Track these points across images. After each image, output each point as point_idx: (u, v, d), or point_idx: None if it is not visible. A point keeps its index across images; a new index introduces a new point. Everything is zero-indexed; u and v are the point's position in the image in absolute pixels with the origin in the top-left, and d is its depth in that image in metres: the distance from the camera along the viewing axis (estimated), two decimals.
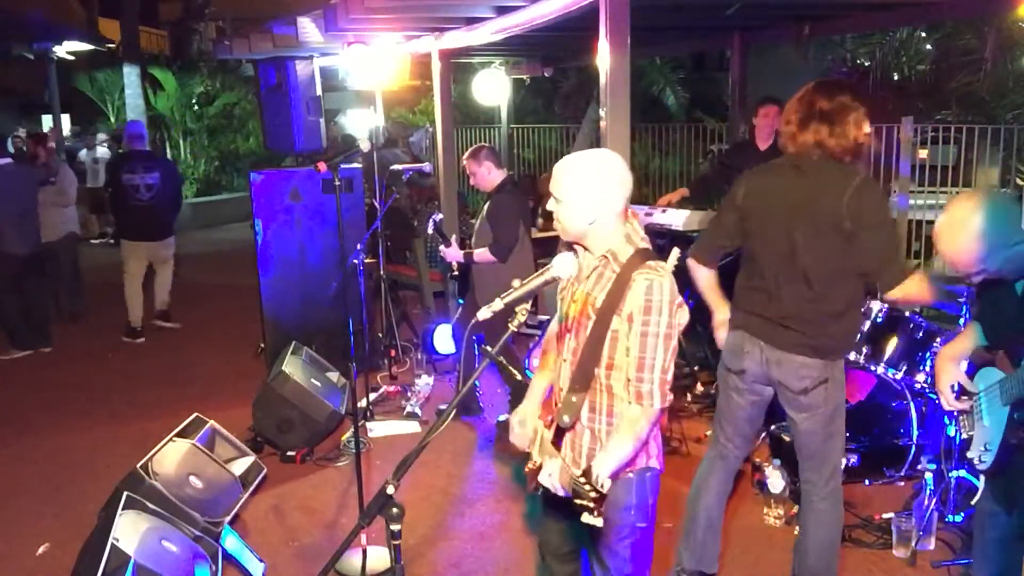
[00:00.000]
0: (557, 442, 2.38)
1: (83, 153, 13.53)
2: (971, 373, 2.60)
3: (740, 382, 3.14)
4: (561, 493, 2.19)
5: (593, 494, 1.97)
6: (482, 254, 4.91)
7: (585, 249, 2.39)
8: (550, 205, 2.37)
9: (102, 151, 13.63)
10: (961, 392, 2.59)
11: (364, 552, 3.53)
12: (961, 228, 2.22)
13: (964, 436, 2.59)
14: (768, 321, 2.99)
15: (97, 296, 8.69)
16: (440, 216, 5.58)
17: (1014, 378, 2.35)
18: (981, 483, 2.57)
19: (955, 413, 2.64)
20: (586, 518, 2.01)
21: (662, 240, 5.33)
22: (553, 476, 2.20)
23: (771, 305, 2.98)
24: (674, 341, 2.27)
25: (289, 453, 4.79)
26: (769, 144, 5.88)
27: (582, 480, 1.99)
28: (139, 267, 7.42)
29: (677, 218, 5.63)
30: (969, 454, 2.55)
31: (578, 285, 2.40)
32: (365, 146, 3.58)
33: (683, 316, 2.29)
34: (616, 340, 2.27)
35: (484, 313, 2.23)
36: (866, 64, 9.89)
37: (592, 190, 2.29)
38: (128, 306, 7.40)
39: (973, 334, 2.64)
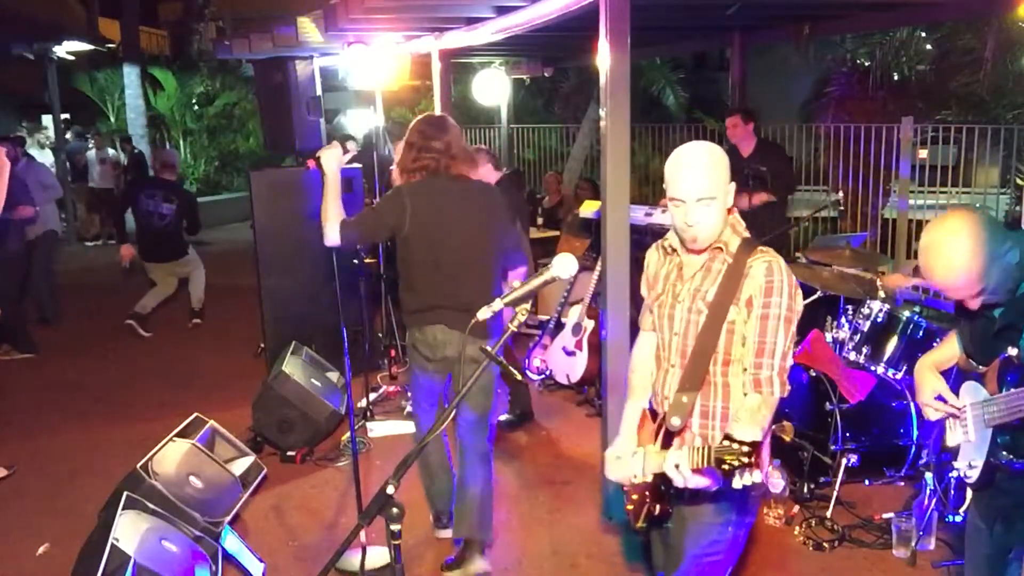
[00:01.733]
0: (666, 449, 2.19)
1: (90, 154, 13.50)
2: (955, 385, 2.48)
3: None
4: (691, 484, 1.99)
5: (745, 448, 1.79)
6: None
7: (688, 251, 2.27)
8: (693, 213, 2.15)
9: (109, 149, 13.58)
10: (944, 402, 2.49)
11: (364, 552, 3.53)
12: (952, 251, 2.10)
13: (951, 444, 2.50)
14: None
15: (97, 296, 8.70)
16: None
17: (996, 403, 2.26)
18: (969, 495, 2.50)
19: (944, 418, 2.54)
20: (741, 481, 1.81)
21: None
22: (683, 466, 1.98)
23: None
24: (794, 326, 2.14)
25: (289, 453, 4.79)
26: (751, 151, 6.06)
27: (726, 444, 1.83)
28: (171, 282, 7.64)
29: None
30: (956, 465, 2.47)
31: (680, 285, 2.29)
32: (351, 146, 3.57)
33: (801, 300, 2.17)
34: (732, 333, 2.16)
35: (484, 313, 2.23)
36: (866, 64, 9.87)
37: (726, 180, 2.19)
38: (149, 296, 7.57)
39: (954, 343, 2.55)
